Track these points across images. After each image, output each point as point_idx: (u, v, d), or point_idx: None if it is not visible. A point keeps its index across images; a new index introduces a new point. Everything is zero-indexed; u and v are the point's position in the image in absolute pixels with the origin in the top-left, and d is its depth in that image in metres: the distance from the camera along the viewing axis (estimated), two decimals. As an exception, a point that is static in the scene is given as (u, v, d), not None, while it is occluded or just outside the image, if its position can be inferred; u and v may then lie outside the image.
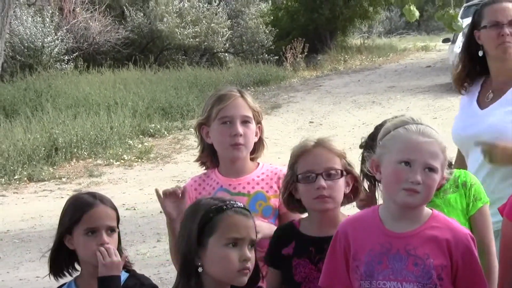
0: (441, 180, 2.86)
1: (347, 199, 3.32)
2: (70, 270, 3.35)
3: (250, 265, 2.80)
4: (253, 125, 3.57)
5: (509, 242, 3.03)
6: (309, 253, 3.24)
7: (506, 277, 3.01)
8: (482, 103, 4.13)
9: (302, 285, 3.24)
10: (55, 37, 22.27)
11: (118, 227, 3.32)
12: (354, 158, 3.40)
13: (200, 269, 2.77)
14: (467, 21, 18.32)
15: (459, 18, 5.69)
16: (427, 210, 2.90)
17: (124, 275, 3.28)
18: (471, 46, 4.22)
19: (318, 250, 3.22)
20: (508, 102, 3.99)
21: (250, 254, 2.80)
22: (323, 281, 3.02)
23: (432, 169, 2.78)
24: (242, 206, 2.88)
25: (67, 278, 3.38)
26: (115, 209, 3.32)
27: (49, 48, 21.94)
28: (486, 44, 4.12)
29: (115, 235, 3.27)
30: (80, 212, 3.22)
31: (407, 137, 2.82)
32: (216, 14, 25.70)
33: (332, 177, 3.20)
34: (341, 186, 3.22)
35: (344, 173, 3.23)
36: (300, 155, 3.27)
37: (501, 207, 3.13)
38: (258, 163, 3.67)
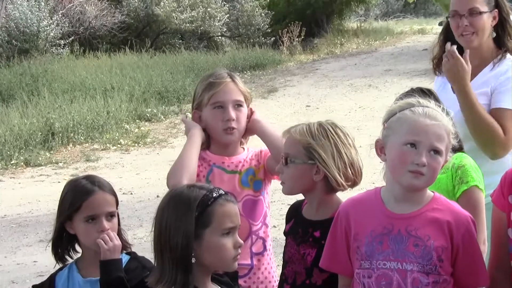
0: (444, 163, 2.87)
1: (324, 188, 3.25)
2: (71, 253, 3.39)
3: (240, 250, 2.82)
4: (245, 108, 3.62)
5: (499, 229, 3.01)
6: (297, 234, 3.27)
7: (496, 261, 2.99)
8: None
9: (287, 264, 3.29)
10: (51, 21, 22.18)
11: (117, 210, 3.34)
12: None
13: (193, 260, 2.74)
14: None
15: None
16: (428, 192, 2.92)
17: (125, 258, 3.33)
18: (448, 30, 4.26)
19: (304, 232, 3.25)
20: (478, 86, 4.02)
21: (240, 239, 2.82)
22: (323, 262, 3.04)
23: (437, 152, 2.79)
24: (226, 192, 2.86)
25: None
26: (114, 193, 3.34)
27: (45, 33, 21.86)
28: (453, 33, 4.19)
29: (115, 220, 3.30)
30: (79, 200, 3.24)
31: (414, 119, 2.82)
32: (213, -1, 25.63)
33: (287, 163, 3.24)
34: (294, 173, 3.24)
35: (307, 161, 3.21)
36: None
37: (492, 193, 3.12)
38: (244, 148, 3.76)
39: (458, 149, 3.59)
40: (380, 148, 2.91)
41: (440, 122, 2.82)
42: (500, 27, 4.16)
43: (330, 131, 3.23)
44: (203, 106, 3.60)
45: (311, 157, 3.19)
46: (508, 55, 4.13)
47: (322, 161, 3.18)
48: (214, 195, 2.80)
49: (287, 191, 3.29)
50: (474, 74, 4.06)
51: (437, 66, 4.34)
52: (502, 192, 3.02)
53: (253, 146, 3.80)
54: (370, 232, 2.87)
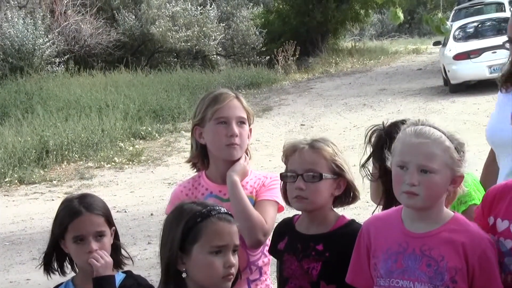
0: (458, 180, 2.84)
1: (340, 202, 3.32)
2: (64, 269, 3.40)
3: (234, 270, 2.82)
4: (247, 126, 3.58)
5: None
6: (296, 249, 3.27)
7: None
8: None
9: (288, 281, 3.27)
10: (46, 39, 22.24)
11: (113, 225, 3.36)
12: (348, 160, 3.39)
13: (184, 275, 2.77)
14: (458, 23, 18.52)
15: (449, 21, 5.62)
16: (448, 212, 2.88)
17: (120, 276, 3.34)
18: None
19: (304, 247, 3.24)
20: None
21: (234, 259, 2.81)
22: (349, 277, 3.04)
23: (428, 171, 2.77)
24: (226, 211, 2.88)
25: (64, 278, 3.42)
26: (104, 213, 3.33)
27: (40, 51, 21.91)
28: None
29: (105, 239, 3.30)
30: (67, 220, 3.27)
31: (403, 140, 2.83)
32: (207, 18, 25.70)
33: (312, 179, 3.21)
34: (321, 188, 3.22)
35: (331, 176, 3.24)
36: (290, 153, 3.31)
37: (475, 209, 3.13)
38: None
39: None
40: (388, 170, 2.94)
41: (430, 140, 2.79)
42: None
43: (337, 146, 3.31)
44: (206, 122, 3.55)
45: (335, 172, 3.23)
46: None
47: (348, 174, 3.24)
48: (207, 212, 2.81)
49: (309, 207, 3.25)
50: None
51: (504, 82, 4.05)
52: (483, 212, 3.02)
53: (259, 170, 3.71)
54: (387, 249, 2.86)
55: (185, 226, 2.78)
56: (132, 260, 3.48)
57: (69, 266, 3.41)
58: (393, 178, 2.85)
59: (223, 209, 2.87)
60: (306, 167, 3.22)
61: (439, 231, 2.82)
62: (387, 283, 2.84)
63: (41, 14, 22.99)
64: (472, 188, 3.52)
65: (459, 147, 2.85)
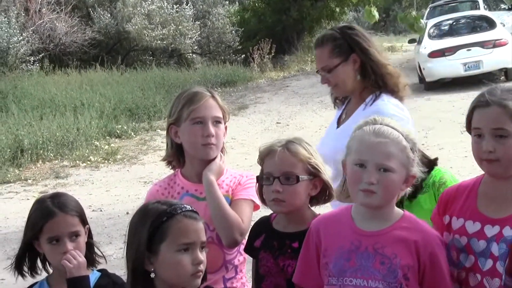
0: (410, 179, 2.88)
1: (317, 201, 3.35)
2: (37, 270, 3.40)
3: (203, 267, 2.82)
4: (223, 125, 3.59)
5: None
6: (272, 247, 3.27)
7: None
8: (339, 122, 4.18)
9: (264, 278, 3.28)
10: (21, 37, 22.09)
11: (86, 223, 3.36)
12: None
13: (152, 275, 2.78)
14: (433, 21, 18.71)
15: (423, 19, 5.69)
16: (398, 210, 2.92)
17: (96, 274, 3.34)
18: None
19: (280, 245, 3.27)
20: (351, 124, 3.94)
21: (202, 256, 2.82)
22: (296, 277, 3.06)
23: (386, 169, 2.80)
24: (191, 209, 2.88)
25: (35, 278, 3.41)
26: (79, 213, 3.33)
27: (15, 49, 21.76)
28: None
29: (80, 238, 3.30)
30: (41, 221, 3.26)
31: (361, 138, 2.85)
32: (183, 17, 25.65)
33: (289, 182, 3.24)
34: (298, 190, 3.24)
35: (307, 177, 3.25)
36: (265, 156, 3.33)
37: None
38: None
39: (430, 162, 3.63)
40: (344, 167, 2.94)
41: (389, 139, 2.82)
42: (363, 68, 4.07)
43: (312, 146, 3.34)
44: (182, 121, 3.55)
45: (311, 173, 3.25)
46: (383, 95, 4.05)
47: (323, 174, 3.27)
48: (172, 210, 2.81)
49: (287, 209, 3.28)
50: (352, 111, 4.05)
51: (335, 101, 4.32)
52: (439, 211, 3.12)
53: (234, 168, 3.73)
54: (338, 248, 2.88)
55: (151, 226, 2.79)
56: (105, 259, 3.47)
57: (41, 266, 3.40)
58: (349, 176, 2.87)
59: (188, 207, 2.88)
60: (283, 170, 3.25)
61: (391, 229, 2.86)
62: (340, 282, 2.85)
63: (16, 12, 22.83)
64: (450, 185, 3.57)
65: (414, 147, 2.89)
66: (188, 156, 3.60)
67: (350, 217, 2.93)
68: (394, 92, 4.08)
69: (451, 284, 2.89)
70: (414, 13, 6.77)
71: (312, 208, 3.36)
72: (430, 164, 3.66)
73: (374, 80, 4.05)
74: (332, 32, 4.13)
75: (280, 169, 3.25)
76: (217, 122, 3.55)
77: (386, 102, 4.00)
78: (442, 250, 2.88)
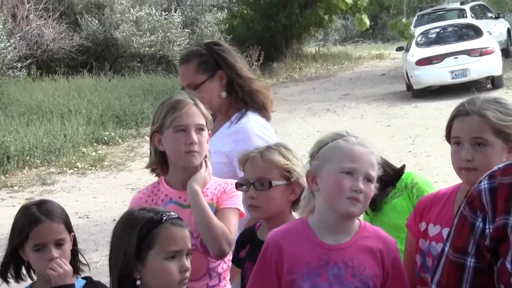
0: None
1: (298, 206, 3.32)
2: (24, 278, 3.37)
3: (188, 274, 2.82)
4: (206, 133, 3.57)
5: (409, 252, 3.20)
6: (256, 257, 3.25)
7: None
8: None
9: None
10: (8, 44, 22.00)
11: (72, 230, 3.33)
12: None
13: (138, 282, 2.77)
14: (421, 29, 18.87)
15: (412, 27, 5.72)
16: (356, 220, 2.92)
17: (81, 282, 3.31)
18: None
19: None
20: (214, 143, 3.84)
21: (188, 263, 2.82)
22: None
23: (370, 180, 2.81)
24: (177, 216, 2.87)
25: (20, 285, 3.39)
26: (64, 220, 3.31)
27: (2, 55, 21.66)
28: None
29: (65, 246, 3.28)
30: (27, 229, 3.23)
31: (349, 147, 2.84)
32: (172, 24, 25.64)
33: (262, 187, 3.27)
34: (272, 196, 3.26)
35: (282, 182, 3.27)
36: (243, 162, 3.39)
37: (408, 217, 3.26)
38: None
39: (396, 171, 3.70)
40: (312, 178, 2.90)
41: (371, 151, 2.85)
42: (230, 85, 4.04)
43: (292, 151, 3.35)
44: (165, 129, 3.53)
45: (288, 178, 3.27)
46: (249, 113, 4.02)
47: (301, 179, 3.25)
48: (160, 218, 2.80)
49: (263, 215, 3.29)
50: (213, 134, 3.89)
51: None
52: (415, 218, 3.16)
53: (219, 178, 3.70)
54: (305, 264, 2.83)
55: (139, 234, 2.77)
56: (89, 267, 3.45)
57: (25, 273, 3.38)
58: (334, 184, 2.82)
59: (174, 214, 2.86)
60: (257, 176, 3.28)
61: (354, 240, 2.86)
62: None
63: (3, 18, 22.75)
64: (425, 184, 3.76)
65: (380, 163, 2.94)
66: (172, 163, 3.58)
67: (309, 230, 2.90)
68: (261, 110, 4.09)
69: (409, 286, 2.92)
70: (404, 20, 6.78)
71: (295, 213, 3.35)
72: (397, 173, 3.73)
73: (241, 97, 4.03)
74: (198, 48, 4.08)
75: (255, 175, 3.29)
76: (200, 129, 3.53)
77: (251, 120, 3.99)
78: (400, 256, 2.92)
